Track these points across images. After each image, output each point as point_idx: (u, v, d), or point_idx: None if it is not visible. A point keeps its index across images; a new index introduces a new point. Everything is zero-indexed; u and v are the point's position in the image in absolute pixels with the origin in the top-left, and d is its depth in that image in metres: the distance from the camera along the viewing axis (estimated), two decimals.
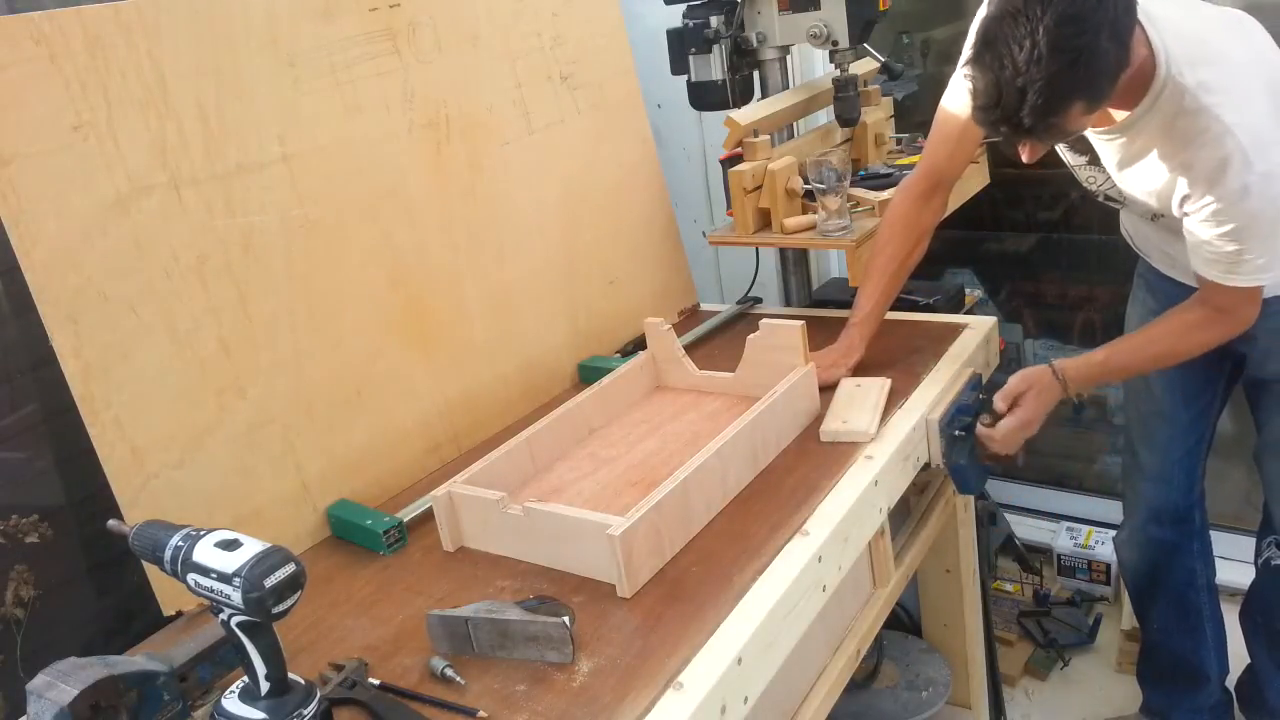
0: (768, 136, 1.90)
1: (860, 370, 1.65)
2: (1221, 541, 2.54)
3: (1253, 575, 2.00)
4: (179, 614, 1.27)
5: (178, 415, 1.29)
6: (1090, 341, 2.87)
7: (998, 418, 1.54)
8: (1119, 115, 1.42)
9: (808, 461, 1.43)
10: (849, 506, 1.30)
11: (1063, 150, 1.63)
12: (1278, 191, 1.34)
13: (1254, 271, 1.40)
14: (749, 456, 1.39)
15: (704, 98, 2.02)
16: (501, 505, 1.28)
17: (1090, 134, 1.50)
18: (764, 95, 2.08)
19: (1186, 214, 1.41)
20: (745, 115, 1.89)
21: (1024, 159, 1.36)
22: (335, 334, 1.47)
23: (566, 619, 1.10)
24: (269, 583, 0.93)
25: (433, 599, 1.24)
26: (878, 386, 1.56)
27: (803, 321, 1.54)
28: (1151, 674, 2.08)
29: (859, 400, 1.53)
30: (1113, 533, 2.56)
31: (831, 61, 1.96)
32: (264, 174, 1.39)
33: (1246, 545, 2.49)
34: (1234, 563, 2.50)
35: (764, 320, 1.57)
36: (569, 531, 1.23)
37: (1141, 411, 1.90)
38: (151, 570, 1.19)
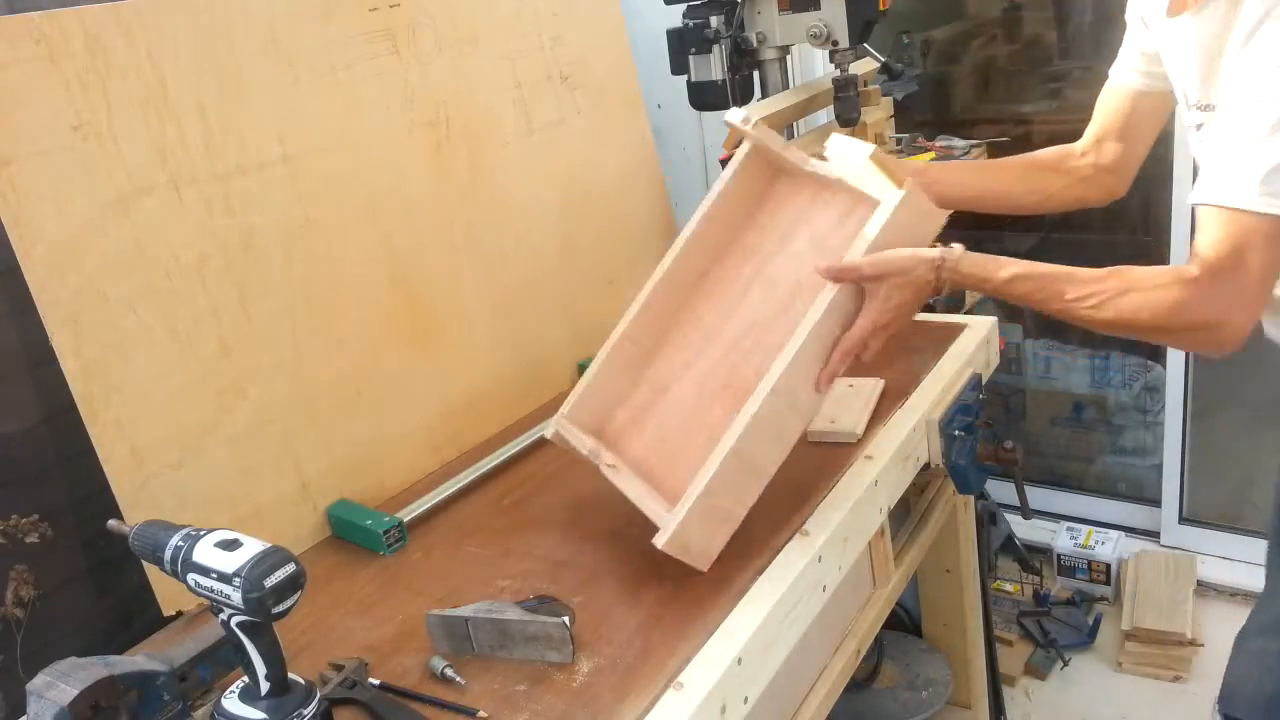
0: None
1: (859, 370, 1.64)
2: (1221, 541, 2.55)
3: (1252, 576, 1.99)
4: (179, 614, 1.27)
5: (178, 415, 1.29)
6: (1090, 341, 2.87)
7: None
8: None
9: (808, 461, 1.43)
10: (849, 507, 1.30)
11: (1182, 107, 1.30)
12: None
13: None
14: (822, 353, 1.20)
15: (704, 98, 2.03)
16: (594, 456, 1.28)
17: (1187, 28, 1.19)
18: (764, 95, 2.08)
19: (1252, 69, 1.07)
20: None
21: None
22: (335, 334, 1.47)
23: (566, 619, 1.10)
24: (269, 583, 0.93)
25: (433, 599, 1.24)
26: (870, 387, 1.56)
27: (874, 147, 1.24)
28: None
29: (849, 400, 1.53)
30: (1112, 533, 2.57)
31: (831, 61, 1.96)
32: (264, 174, 1.39)
33: (1246, 545, 2.50)
34: (1234, 563, 2.50)
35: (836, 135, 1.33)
36: (641, 502, 1.23)
37: None
38: (151, 570, 1.19)
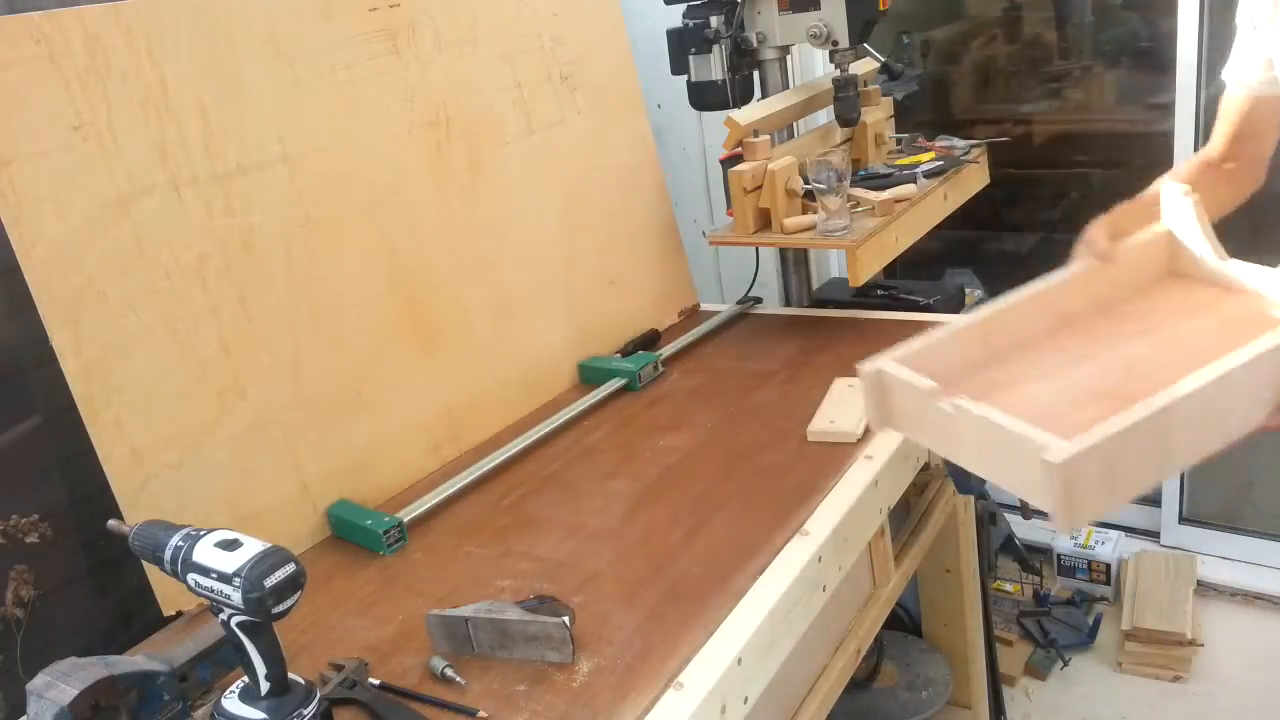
0: (768, 136, 1.90)
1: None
2: (1221, 541, 2.55)
3: (1251, 576, 1.98)
4: (179, 614, 1.27)
5: (178, 415, 1.29)
6: None
7: None
8: None
9: (807, 462, 1.43)
10: (849, 507, 1.30)
11: None
12: None
13: None
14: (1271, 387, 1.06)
15: (704, 98, 2.02)
16: (932, 397, 1.09)
17: None
18: (764, 95, 2.08)
19: None
20: (745, 115, 1.89)
21: None
22: (335, 334, 1.47)
23: (566, 619, 1.10)
24: (269, 583, 0.93)
25: (433, 599, 1.24)
26: None
27: None
28: None
29: (849, 400, 1.53)
30: (1112, 533, 2.57)
31: (831, 61, 1.96)
32: (264, 174, 1.39)
33: (1246, 545, 2.50)
34: (1234, 563, 2.50)
35: None
36: (1001, 442, 1.04)
37: None
38: (151, 570, 1.19)
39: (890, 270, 2.15)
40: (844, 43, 1.89)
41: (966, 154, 2.06)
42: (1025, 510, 1.62)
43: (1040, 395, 1.15)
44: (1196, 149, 2.26)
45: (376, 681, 1.11)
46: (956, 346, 1.20)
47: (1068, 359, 1.21)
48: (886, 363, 1.15)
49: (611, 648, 1.11)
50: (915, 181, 1.93)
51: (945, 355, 1.18)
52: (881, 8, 1.90)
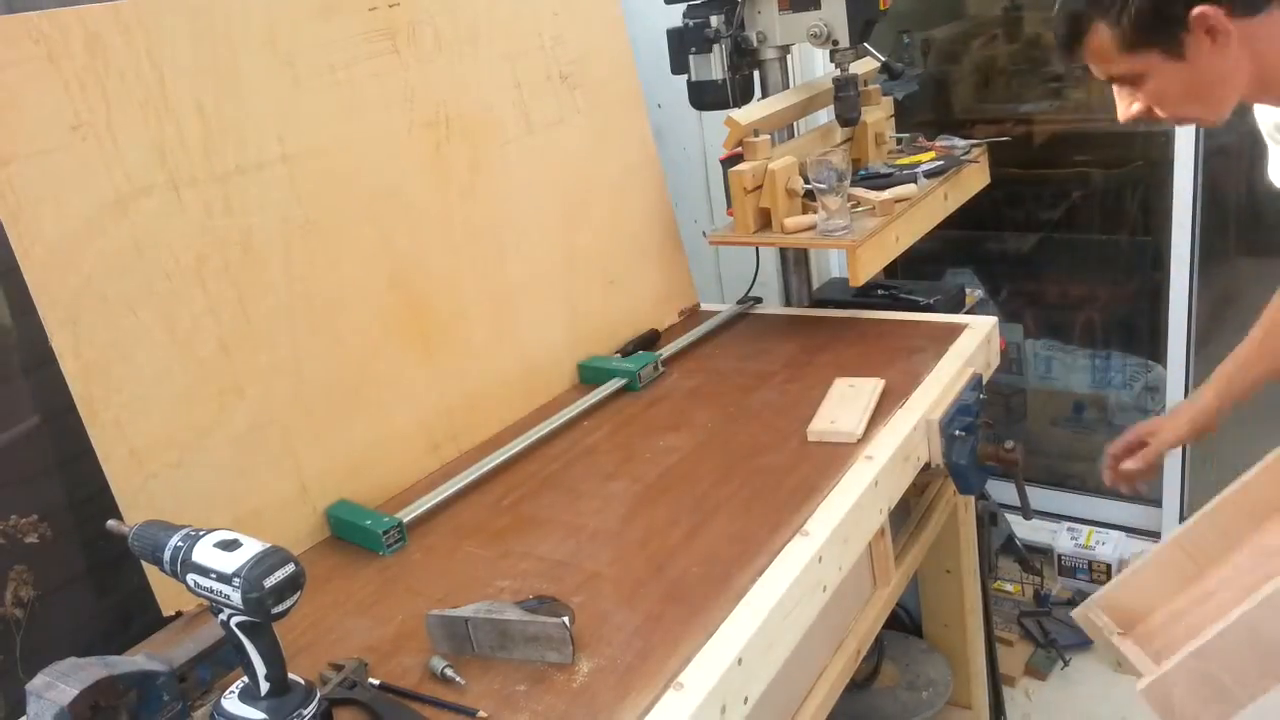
0: (768, 136, 1.90)
1: (860, 370, 1.65)
2: None
3: None
4: (179, 614, 1.27)
5: (177, 415, 1.29)
6: (1091, 342, 2.87)
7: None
8: None
9: (808, 462, 1.43)
10: (849, 507, 1.30)
11: None
12: None
13: None
14: None
15: (704, 97, 2.02)
16: (1110, 636, 1.23)
17: None
18: (764, 95, 2.08)
19: None
20: (745, 115, 1.89)
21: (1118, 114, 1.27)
22: (334, 334, 1.47)
23: (566, 619, 1.09)
24: (269, 583, 0.93)
25: (433, 599, 1.24)
26: (870, 388, 1.56)
27: None
28: None
29: (850, 401, 1.53)
30: (1113, 533, 2.57)
31: (832, 61, 1.96)
32: (263, 174, 1.39)
33: None
34: None
35: None
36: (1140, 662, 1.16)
37: None
38: (151, 570, 1.19)
39: (890, 270, 2.15)
40: (844, 42, 1.89)
41: (967, 154, 2.06)
42: (1026, 511, 1.63)
43: (1228, 601, 1.17)
44: (1197, 148, 2.26)
45: (376, 682, 1.11)
46: (1159, 571, 1.26)
47: (1262, 554, 1.26)
48: (1092, 608, 1.23)
49: (611, 648, 1.10)
50: (916, 181, 1.93)
51: (1152, 583, 1.25)
52: (882, 7, 1.90)
